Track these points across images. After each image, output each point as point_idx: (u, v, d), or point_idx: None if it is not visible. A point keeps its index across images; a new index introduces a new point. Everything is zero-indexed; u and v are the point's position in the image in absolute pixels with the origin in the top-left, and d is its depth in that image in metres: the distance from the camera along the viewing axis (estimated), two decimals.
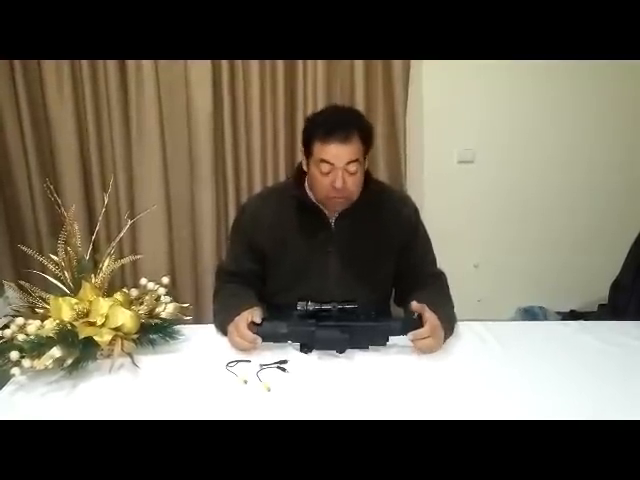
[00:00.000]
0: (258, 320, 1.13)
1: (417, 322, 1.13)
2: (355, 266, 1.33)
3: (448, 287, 1.35)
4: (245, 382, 1.02)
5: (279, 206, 1.34)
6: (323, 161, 1.21)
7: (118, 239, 1.20)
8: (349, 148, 1.20)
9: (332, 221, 1.33)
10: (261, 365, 1.08)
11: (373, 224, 1.33)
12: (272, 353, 1.13)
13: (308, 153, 1.26)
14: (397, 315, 1.42)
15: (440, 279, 1.35)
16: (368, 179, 1.33)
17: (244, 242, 1.35)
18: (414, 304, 1.15)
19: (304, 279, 1.32)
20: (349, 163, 1.20)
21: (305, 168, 1.30)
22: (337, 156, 1.19)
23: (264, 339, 1.14)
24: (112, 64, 1.86)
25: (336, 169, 1.20)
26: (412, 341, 1.13)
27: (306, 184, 1.34)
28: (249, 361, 1.10)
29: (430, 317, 1.12)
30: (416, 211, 1.39)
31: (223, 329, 1.20)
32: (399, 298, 1.41)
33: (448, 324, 1.18)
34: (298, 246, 1.32)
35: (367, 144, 1.25)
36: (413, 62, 2.00)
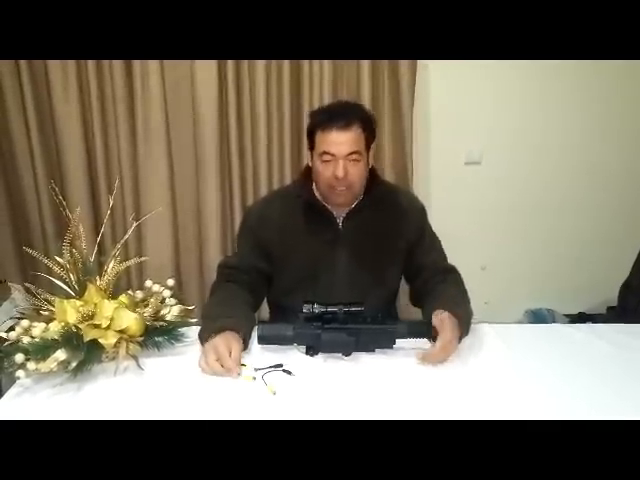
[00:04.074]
0: (237, 361, 1.05)
1: (424, 326, 1.12)
2: (363, 265, 1.33)
3: (463, 282, 1.33)
4: (274, 393, 0.99)
5: (286, 207, 1.33)
6: (325, 153, 1.22)
7: (123, 241, 1.19)
8: (349, 136, 1.20)
9: (339, 221, 1.33)
10: (256, 369, 1.06)
11: (380, 223, 1.33)
12: (278, 356, 1.12)
13: (311, 146, 1.26)
14: (404, 317, 1.41)
15: (454, 273, 1.34)
16: (375, 178, 1.34)
17: (251, 240, 1.34)
18: (435, 320, 1.11)
19: (312, 279, 1.32)
20: (350, 154, 1.21)
21: (310, 163, 1.30)
22: (337, 144, 1.20)
23: (269, 341, 1.14)
24: (118, 64, 1.86)
25: (337, 159, 1.21)
26: (419, 358, 1.09)
27: (313, 185, 1.33)
28: (244, 365, 1.07)
29: (444, 333, 1.08)
30: (423, 209, 1.40)
31: (200, 339, 1.13)
32: (415, 296, 1.39)
33: (466, 324, 1.17)
34: (306, 246, 1.31)
35: (369, 134, 1.25)
36: (420, 62, 1.99)
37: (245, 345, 1.13)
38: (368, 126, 1.25)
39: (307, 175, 1.33)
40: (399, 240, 1.35)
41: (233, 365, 1.03)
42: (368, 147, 1.26)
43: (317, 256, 1.32)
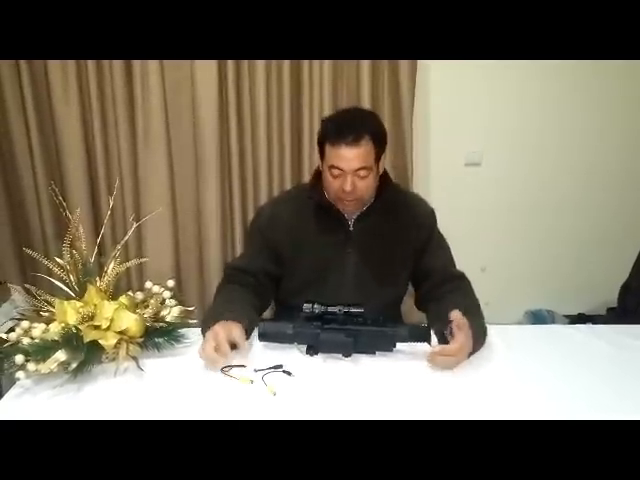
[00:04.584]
0: (240, 342, 1.08)
1: (425, 330, 1.12)
2: (372, 267, 1.33)
3: (473, 291, 1.32)
4: (274, 394, 0.99)
5: (297, 208, 1.34)
6: (333, 167, 1.21)
7: (123, 242, 1.19)
8: (359, 151, 1.18)
9: (350, 222, 1.33)
10: (255, 370, 1.07)
11: (391, 226, 1.33)
12: (277, 356, 1.12)
13: (321, 155, 1.26)
14: (407, 320, 1.41)
15: (464, 281, 1.33)
16: (387, 182, 1.33)
17: (260, 241, 1.34)
18: (455, 314, 1.09)
19: (322, 280, 1.32)
20: (359, 170, 1.20)
21: (320, 168, 1.30)
22: (347, 160, 1.18)
23: (269, 339, 1.14)
24: (118, 64, 1.86)
25: (346, 174, 1.20)
26: (432, 354, 1.08)
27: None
28: (244, 366, 1.08)
29: (461, 336, 1.06)
30: (432, 213, 1.40)
31: (203, 334, 1.15)
32: (421, 300, 1.38)
33: (482, 337, 1.15)
34: (316, 247, 1.32)
35: (379, 147, 1.23)
36: (420, 63, 1.99)
37: (247, 336, 1.13)
38: (378, 138, 1.22)
39: (318, 177, 1.32)
40: (408, 243, 1.34)
41: (228, 350, 1.05)
42: (378, 159, 1.24)
43: (327, 257, 1.32)
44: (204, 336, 1.13)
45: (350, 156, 1.18)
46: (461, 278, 1.34)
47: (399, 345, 1.13)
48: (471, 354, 1.11)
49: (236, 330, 1.09)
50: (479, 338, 1.14)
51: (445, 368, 1.08)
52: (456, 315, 1.08)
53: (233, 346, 1.08)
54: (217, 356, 1.04)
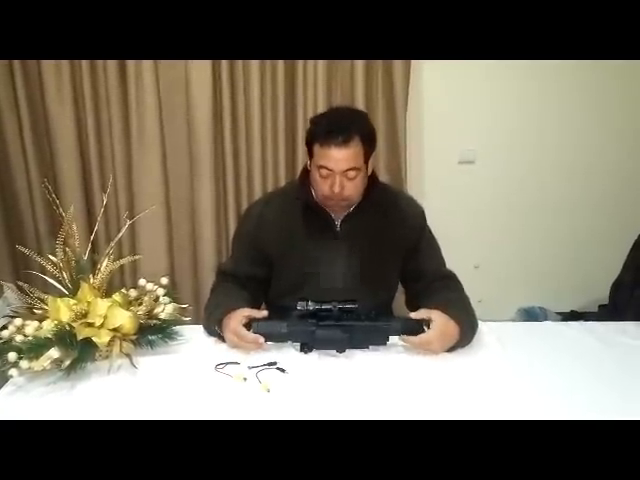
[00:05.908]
0: (256, 315, 1.15)
1: (417, 323, 1.13)
2: (361, 267, 1.33)
3: (464, 290, 1.32)
4: (268, 391, 1.00)
5: (284, 208, 1.33)
6: (322, 167, 1.20)
7: (117, 239, 1.19)
8: (348, 152, 1.18)
9: (338, 222, 1.32)
10: (249, 367, 1.07)
11: (379, 225, 1.33)
12: (269, 353, 1.12)
13: (310, 154, 1.25)
14: (399, 315, 1.41)
15: (454, 280, 1.34)
16: (375, 182, 1.33)
17: (247, 244, 1.35)
18: (413, 314, 1.16)
19: (310, 280, 1.32)
20: (348, 170, 1.19)
21: (309, 167, 1.29)
22: (336, 160, 1.18)
23: (264, 338, 1.14)
24: (112, 64, 1.85)
25: (335, 174, 1.20)
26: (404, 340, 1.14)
27: (312, 187, 1.33)
28: (238, 363, 1.09)
29: (436, 325, 1.12)
30: (422, 213, 1.39)
31: (208, 328, 1.23)
32: (413, 300, 1.37)
33: (470, 332, 1.18)
34: (304, 248, 1.31)
35: (369, 147, 1.23)
36: (414, 62, 2.00)
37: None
38: (367, 139, 1.21)
39: (305, 177, 1.32)
40: (397, 243, 1.34)
41: (252, 338, 1.12)
42: (367, 159, 1.23)
43: (315, 258, 1.32)
44: (207, 332, 1.22)
45: (339, 157, 1.18)
46: (451, 277, 1.34)
47: (391, 338, 1.14)
48: (453, 348, 1.14)
49: (243, 311, 1.15)
50: (467, 333, 1.16)
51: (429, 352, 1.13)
52: (415, 315, 1.15)
53: (247, 326, 1.14)
54: (247, 345, 1.12)
